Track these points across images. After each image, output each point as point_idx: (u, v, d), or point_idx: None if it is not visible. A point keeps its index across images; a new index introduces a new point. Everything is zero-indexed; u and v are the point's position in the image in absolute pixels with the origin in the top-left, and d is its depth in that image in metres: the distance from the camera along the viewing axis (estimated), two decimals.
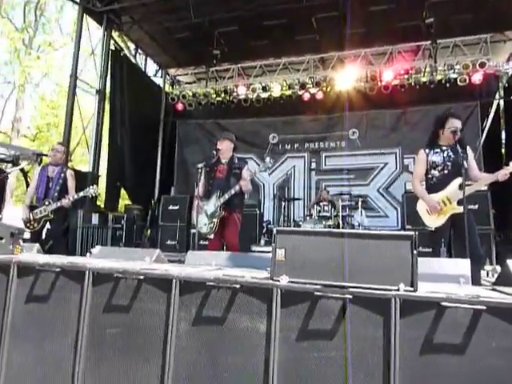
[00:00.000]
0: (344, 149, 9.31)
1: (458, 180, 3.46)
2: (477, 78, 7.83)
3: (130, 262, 2.34)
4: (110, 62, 8.46)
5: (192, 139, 10.37)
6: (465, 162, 3.41)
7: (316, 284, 1.70)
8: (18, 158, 6.69)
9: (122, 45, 9.15)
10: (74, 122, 7.75)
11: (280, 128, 9.82)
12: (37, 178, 4.88)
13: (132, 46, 9.59)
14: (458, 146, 3.52)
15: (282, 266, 1.78)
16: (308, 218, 7.47)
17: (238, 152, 4.59)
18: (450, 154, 3.61)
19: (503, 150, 8.49)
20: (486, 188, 5.98)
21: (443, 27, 7.48)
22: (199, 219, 4.22)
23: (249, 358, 1.73)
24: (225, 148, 4.36)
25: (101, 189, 8.69)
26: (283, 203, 8.24)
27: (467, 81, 7.87)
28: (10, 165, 6.86)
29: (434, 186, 3.63)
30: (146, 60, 10.13)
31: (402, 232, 1.78)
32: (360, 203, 7.54)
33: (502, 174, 3.38)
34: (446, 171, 3.60)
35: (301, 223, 7.37)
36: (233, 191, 4.11)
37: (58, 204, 4.63)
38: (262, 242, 7.65)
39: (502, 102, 8.73)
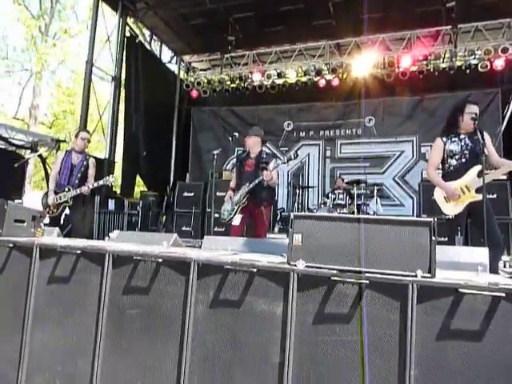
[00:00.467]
0: (360, 136, 9.21)
1: (477, 168, 3.40)
2: (499, 63, 7.60)
3: (148, 245, 2.38)
4: (125, 49, 8.49)
5: (206, 126, 10.39)
6: (485, 149, 3.34)
7: (333, 269, 1.71)
8: (36, 144, 6.81)
9: (137, 31, 9.15)
10: (90, 109, 7.84)
11: (295, 115, 9.75)
12: (60, 164, 4.96)
13: (147, 33, 9.59)
14: (476, 134, 3.46)
15: (298, 251, 1.79)
16: (322, 205, 7.46)
17: None
18: (468, 142, 3.54)
19: None
20: (505, 177, 5.87)
21: (464, 11, 7.27)
22: (225, 207, 4.42)
23: (265, 340, 1.76)
24: (252, 144, 4.51)
25: (117, 175, 8.81)
26: (297, 191, 8.23)
27: (488, 67, 7.65)
28: (28, 151, 7.01)
29: (451, 174, 3.58)
30: (160, 47, 10.13)
31: (421, 218, 1.77)
32: (375, 191, 7.49)
33: None
34: (463, 159, 3.54)
35: (315, 211, 7.37)
36: (256, 181, 4.21)
37: (78, 191, 4.74)
38: (276, 229, 7.68)
39: None
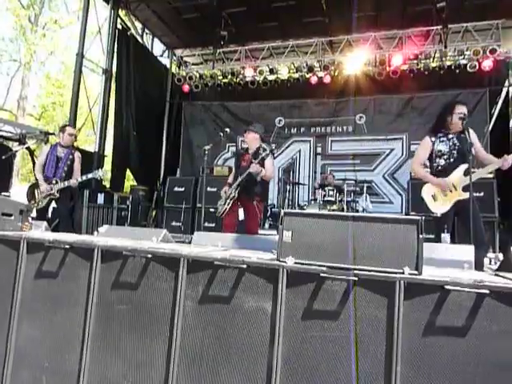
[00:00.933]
0: (350, 134, 9.25)
1: (464, 166, 3.46)
2: (487, 64, 7.69)
3: (137, 240, 2.37)
4: (116, 42, 8.39)
5: (198, 121, 10.34)
6: (472, 149, 3.40)
7: (322, 266, 1.72)
8: (24, 136, 6.72)
9: (129, 24, 9.05)
10: (80, 101, 7.74)
11: (286, 111, 9.75)
12: (45, 156, 4.92)
13: (139, 26, 9.49)
14: (464, 133, 3.51)
15: (288, 248, 1.80)
16: (313, 202, 7.50)
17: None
18: (456, 142, 3.60)
19: (511, 139, 8.41)
20: (491, 176, 5.96)
21: (455, 12, 7.33)
22: (220, 201, 4.43)
23: (254, 335, 1.77)
24: (249, 139, 4.56)
25: (106, 169, 8.74)
26: (288, 187, 8.25)
27: (477, 67, 7.74)
28: (16, 143, 6.90)
29: (439, 174, 3.64)
30: (152, 40, 10.04)
31: (408, 216, 1.79)
32: (365, 188, 7.54)
33: (506, 161, 3.37)
34: (451, 159, 3.60)
35: (305, 207, 7.40)
36: (244, 174, 4.22)
37: (66, 184, 4.71)
38: (267, 225, 7.70)
39: (511, 90, 8.61)
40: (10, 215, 2.57)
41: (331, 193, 7.15)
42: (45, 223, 3.16)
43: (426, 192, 3.68)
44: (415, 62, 8.19)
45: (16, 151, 6.43)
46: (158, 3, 8.54)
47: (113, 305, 2.04)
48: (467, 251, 2.34)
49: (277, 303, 1.74)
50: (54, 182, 4.75)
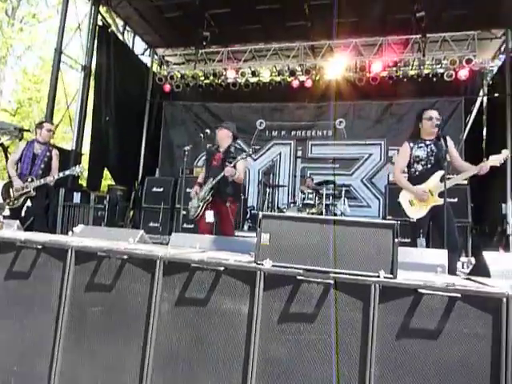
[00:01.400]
0: (330, 138, 9.36)
1: (440, 173, 3.55)
2: (463, 74, 7.92)
3: (113, 241, 2.33)
4: (96, 38, 8.24)
5: (178, 121, 10.25)
6: (447, 156, 3.49)
7: (299, 268, 1.73)
8: None
9: (110, 21, 8.90)
10: (58, 98, 7.56)
11: (268, 114, 9.78)
12: (21, 153, 4.78)
13: (120, 23, 9.33)
14: (440, 140, 3.60)
15: (266, 250, 1.80)
16: (292, 205, 7.54)
17: None
18: (433, 148, 3.68)
19: (484, 146, 8.68)
20: (465, 182, 6.13)
21: (433, 22, 7.51)
22: (191, 203, 4.32)
23: (230, 338, 1.76)
24: (221, 136, 4.42)
25: (83, 167, 8.55)
26: (268, 189, 8.27)
27: (453, 76, 7.96)
28: None
29: (416, 179, 3.71)
30: (133, 38, 9.90)
31: (385, 221, 1.82)
32: (343, 192, 7.63)
33: (482, 167, 3.48)
34: (428, 165, 3.69)
35: (285, 210, 7.44)
36: (218, 177, 4.13)
37: (42, 181, 4.58)
38: (246, 227, 7.70)
39: (485, 99, 8.89)
40: None
41: (310, 196, 7.21)
42: (17, 222, 3.07)
43: (404, 197, 3.75)
44: (394, 69, 8.35)
45: None
46: (139, 1, 8.43)
47: (86, 307, 2.00)
48: (440, 255, 2.40)
49: (254, 306, 1.74)
50: (29, 179, 4.61)
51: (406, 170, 3.89)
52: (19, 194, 4.60)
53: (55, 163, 4.87)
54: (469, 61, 7.72)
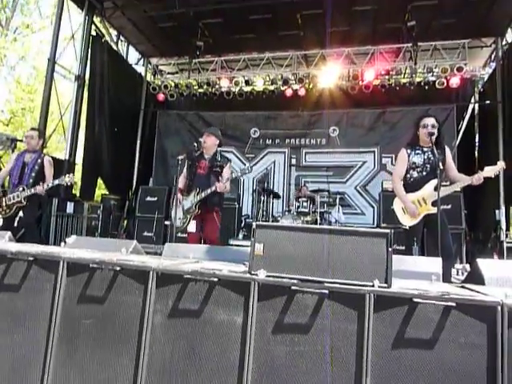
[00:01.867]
0: (324, 146, 9.40)
1: (435, 181, 3.54)
2: (454, 81, 8.02)
3: (106, 252, 2.31)
4: (90, 48, 8.25)
5: (172, 130, 10.25)
6: (440, 164, 3.49)
7: (293, 278, 1.72)
8: None
9: (104, 31, 8.92)
10: (51, 108, 7.54)
11: (262, 122, 9.81)
12: (12, 162, 4.75)
13: (114, 33, 9.36)
14: (439, 149, 3.61)
15: (260, 261, 1.79)
16: (287, 213, 7.53)
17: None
18: (430, 156, 3.67)
19: (476, 153, 8.76)
20: (459, 189, 6.16)
21: (424, 30, 7.62)
22: (176, 214, 4.19)
23: (224, 350, 1.74)
24: (210, 143, 4.34)
25: (77, 177, 8.51)
26: (262, 198, 8.26)
27: (445, 84, 8.06)
28: None
29: (410, 186, 3.71)
30: (127, 48, 9.92)
31: (379, 230, 1.82)
32: (338, 200, 7.65)
33: (476, 178, 3.49)
34: (424, 173, 3.68)
35: (279, 218, 7.43)
36: (208, 191, 4.10)
37: (32, 191, 4.52)
38: (241, 236, 7.67)
39: (476, 106, 9.00)
40: None
41: (305, 204, 7.21)
42: (8, 233, 3.03)
43: (397, 204, 3.76)
44: (387, 77, 8.43)
45: None
46: (133, 11, 8.46)
47: (78, 320, 1.97)
48: (435, 263, 2.40)
49: (248, 317, 1.73)
50: (21, 189, 4.57)
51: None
52: (11, 203, 4.55)
53: (48, 171, 4.76)
54: (460, 69, 7.82)
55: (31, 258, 2.08)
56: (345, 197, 8.82)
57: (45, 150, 5.06)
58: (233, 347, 1.73)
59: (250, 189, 9.58)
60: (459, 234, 6.23)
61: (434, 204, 3.52)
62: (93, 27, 8.42)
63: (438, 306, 1.56)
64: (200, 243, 4.18)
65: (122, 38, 9.59)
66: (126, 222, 8.72)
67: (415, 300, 1.58)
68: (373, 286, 1.65)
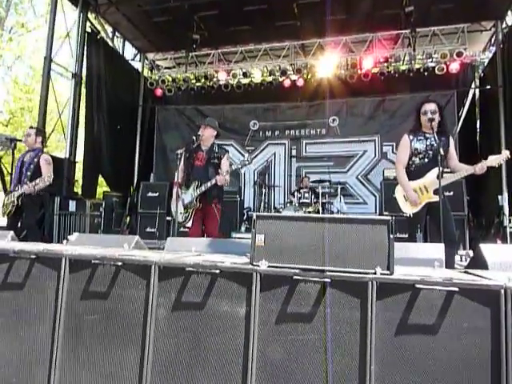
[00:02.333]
0: (324, 136, 9.37)
1: (436, 170, 3.49)
2: (454, 67, 7.95)
3: (108, 248, 2.31)
4: (86, 45, 8.22)
5: (171, 125, 10.23)
6: (441, 150, 3.46)
7: (295, 268, 1.72)
8: None
9: (99, 27, 8.88)
10: (49, 106, 7.53)
11: (261, 115, 9.78)
12: (16, 162, 4.78)
13: (109, 29, 9.32)
14: (438, 134, 3.57)
15: (261, 251, 1.79)
16: (288, 204, 7.53)
17: (218, 139, 4.55)
18: (433, 142, 3.61)
19: (478, 139, 8.71)
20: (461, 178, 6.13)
21: (422, 16, 7.54)
22: (176, 208, 4.19)
23: (228, 341, 1.75)
24: (207, 135, 4.31)
25: (78, 176, 8.52)
26: (264, 190, 8.26)
27: (444, 70, 7.98)
28: None
29: (412, 173, 3.67)
30: (123, 44, 9.88)
31: (379, 217, 1.81)
32: (339, 190, 7.64)
33: (479, 167, 3.45)
34: (426, 159, 3.63)
35: (281, 210, 7.43)
36: (208, 184, 4.08)
37: (21, 190, 4.50)
38: (243, 228, 7.68)
39: (477, 92, 8.93)
40: None
41: (306, 195, 7.21)
42: (11, 233, 3.04)
43: (399, 192, 3.74)
44: (385, 64, 8.37)
45: None
46: (128, 6, 8.41)
47: (82, 316, 1.97)
48: (437, 249, 2.39)
49: (251, 308, 1.72)
50: (16, 188, 4.58)
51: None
52: (8, 202, 4.57)
53: (44, 169, 4.66)
54: (459, 54, 7.75)
55: (33, 256, 2.08)
56: (346, 186, 8.81)
57: (45, 149, 5.02)
58: (237, 338, 1.73)
59: (251, 181, 9.57)
60: (462, 220, 6.21)
61: (435, 192, 3.48)
62: (88, 24, 8.38)
63: (441, 292, 1.56)
64: (201, 236, 4.18)
65: (117, 34, 9.55)
66: (128, 218, 8.73)
67: (418, 286, 1.57)
68: (375, 273, 1.64)
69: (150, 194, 7.90)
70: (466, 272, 1.91)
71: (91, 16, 8.55)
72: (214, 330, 1.77)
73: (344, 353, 1.62)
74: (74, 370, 1.96)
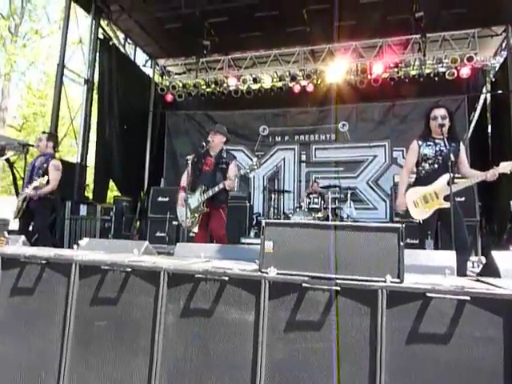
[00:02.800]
0: (334, 141, 9.34)
1: (447, 176, 3.45)
2: (464, 72, 7.88)
3: (118, 254, 2.32)
4: (98, 52, 8.33)
5: (181, 131, 10.30)
6: (451, 155, 3.41)
7: (304, 276, 1.71)
8: (3, 148, 6.57)
9: (111, 34, 8.99)
10: (62, 112, 7.63)
11: (270, 120, 9.80)
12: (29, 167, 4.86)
13: (121, 36, 9.43)
14: (448, 140, 3.54)
15: (270, 258, 1.78)
16: (298, 209, 7.50)
17: (228, 144, 4.57)
18: (442, 148, 3.58)
19: (489, 144, 8.60)
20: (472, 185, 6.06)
21: (432, 21, 7.50)
22: (182, 212, 4.18)
23: (237, 348, 1.74)
24: (217, 141, 4.34)
25: (89, 180, 8.61)
26: (273, 195, 8.25)
27: (455, 75, 7.92)
28: None
29: (422, 180, 3.64)
30: (135, 50, 9.99)
31: (390, 224, 1.80)
32: (349, 195, 7.60)
33: (490, 174, 3.39)
34: (436, 165, 3.59)
35: (290, 215, 7.41)
36: (216, 189, 4.08)
37: (24, 194, 4.56)
38: (252, 234, 7.67)
39: (488, 96, 8.83)
40: None
41: (316, 200, 7.18)
42: (22, 237, 3.07)
43: (409, 198, 3.70)
44: (395, 70, 8.33)
45: None
46: (140, 13, 8.51)
47: (92, 321, 1.99)
48: (449, 257, 2.36)
49: (259, 315, 1.72)
50: (22, 192, 4.67)
51: (414, 170, 3.83)
52: (19, 205, 4.65)
53: (52, 174, 4.70)
54: (470, 59, 7.68)
55: (44, 262, 2.11)
56: (356, 192, 8.76)
57: (57, 155, 5.07)
58: (245, 345, 1.73)
59: (260, 187, 9.57)
60: (474, 226, 6.13)
61: (446, 199, 3.44)
62: (100, 31, 8.49)
63: (453, 301, 1.54)
64: (208, 241, 4.18)
65: (129, 40, 9.66)
66: (138, 223, 8.78)
67: (428, 295, 1.56)
68: (385, 281, 1.63)
69: (160, 199, 7.94)
70: (477, 280, 1.88)
71: (103, 23, 8.67)
72: (223, 337, 1.77)
73: (353, 362, 1.60)
74: (83, 375, 1.97)
